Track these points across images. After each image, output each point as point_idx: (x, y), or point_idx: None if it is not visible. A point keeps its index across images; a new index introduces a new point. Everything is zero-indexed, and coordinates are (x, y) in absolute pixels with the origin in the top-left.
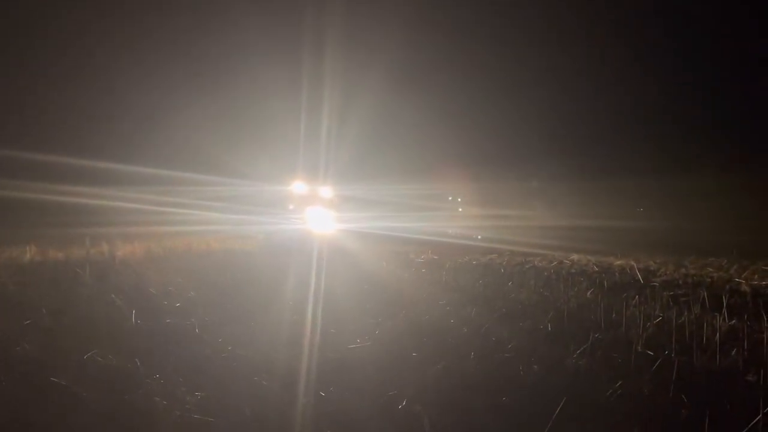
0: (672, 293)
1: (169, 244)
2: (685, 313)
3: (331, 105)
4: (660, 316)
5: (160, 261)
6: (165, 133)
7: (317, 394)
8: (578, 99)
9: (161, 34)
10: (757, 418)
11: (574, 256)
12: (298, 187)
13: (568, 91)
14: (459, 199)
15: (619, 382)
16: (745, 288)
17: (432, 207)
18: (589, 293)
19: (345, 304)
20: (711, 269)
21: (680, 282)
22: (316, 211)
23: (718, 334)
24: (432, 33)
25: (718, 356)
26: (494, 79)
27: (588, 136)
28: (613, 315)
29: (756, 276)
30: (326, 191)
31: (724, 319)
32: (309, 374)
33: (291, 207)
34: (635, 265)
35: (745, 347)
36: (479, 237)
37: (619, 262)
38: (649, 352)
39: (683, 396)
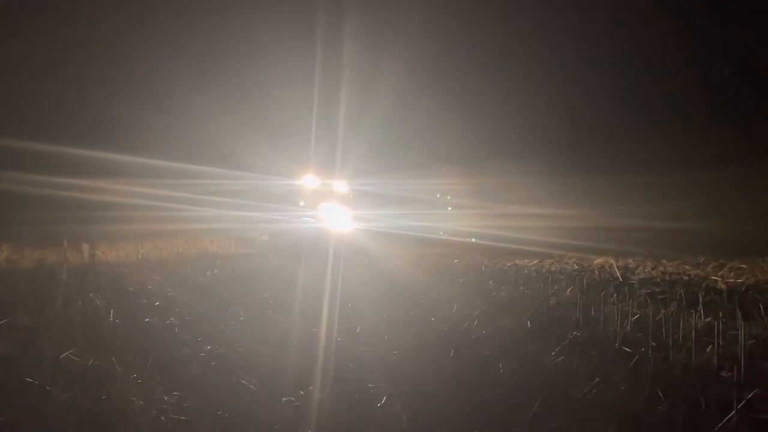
0: None
1: (160, 244)
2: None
3: (344, 96)
4: None
5: (145, 263)
6: (168, 123)
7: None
8: (605, 91)
9: (172, 24)
10: (730, 414)
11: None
12: (309, 181)
13: (591, 83)
14: (483, 197)
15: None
16: (720, 286)
17: (454, 204)
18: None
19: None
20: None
21: None
22: (329, 208)
23: (694, 332)
24: (449, 23)
25: (693, 353)
26: (517, 72)
27: (618, 132)
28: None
29: (732, 274)
30: (339, 186)
31: (700, 316)
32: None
33: (302, 203)
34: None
35: (720, 344)
36: (508, 237)
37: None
38: None
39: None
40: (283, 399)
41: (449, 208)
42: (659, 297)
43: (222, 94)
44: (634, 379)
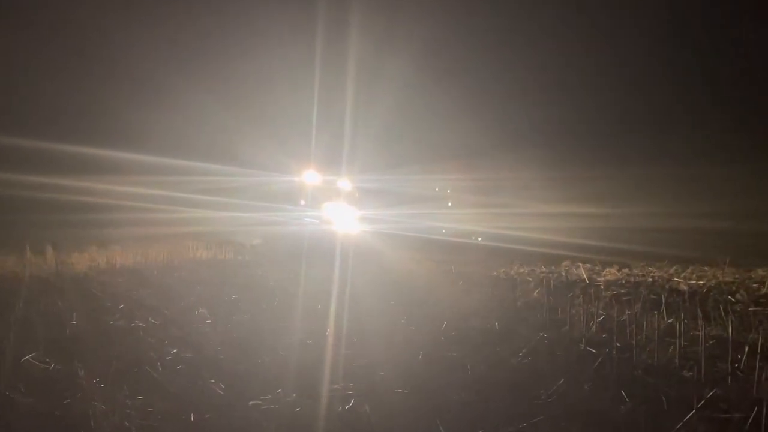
0: None
1: (137, 250)
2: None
3: (348, 85)
4: None
5: (116, 270)
6: (154, 115)
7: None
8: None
9: (164, 10)
10: (691, 413)
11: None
12: (310, 178)
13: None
14: (501, 193)
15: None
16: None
17: (471, 202)
18: None
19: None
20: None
21: None
22: (332, 208)
23: (656, 332)
24: (455, 17)
25: (656, 353)
26: (535, 56)
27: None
28: None
29: (694, 276)
30: (344, 183)
31: (663, 317)
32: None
33: (302, 202)
34: None
35: (681, 344)
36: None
37: None
38: None
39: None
40: (250, 403)
41: (448, 205)
42: (624, 298)
43: (214, 83)
44: (599, 379)
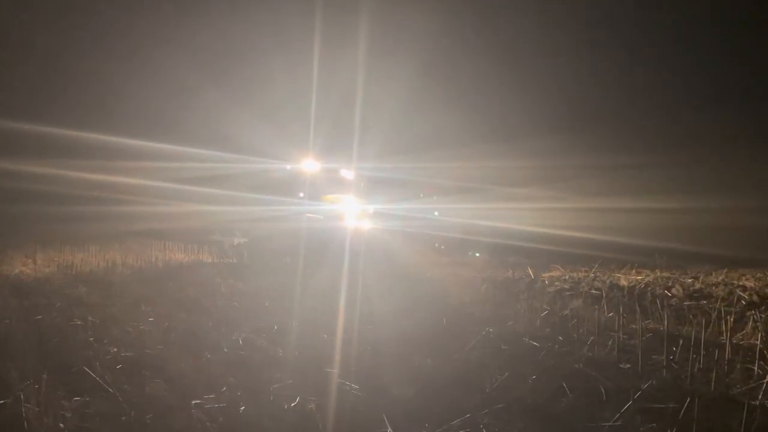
0: None
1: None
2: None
3: (353, 59)
4: None
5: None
6: (128, 90)
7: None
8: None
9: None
10: (628, 404)
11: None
12: (310, 165)
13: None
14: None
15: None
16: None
17: (499, 195)
18: None
19: None
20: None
21: None
22: (335, 200)
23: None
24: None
25: (596, 346)
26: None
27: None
28: None
29: (633, 271)
30: (348, 172)
31: (603, 311)
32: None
33: (301, 194)
34: None
35: (620, 337)
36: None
37: None
38: None
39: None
40: (194, 402)
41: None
42: (567, 294)
43: (199, 57)
44: (542, 372)
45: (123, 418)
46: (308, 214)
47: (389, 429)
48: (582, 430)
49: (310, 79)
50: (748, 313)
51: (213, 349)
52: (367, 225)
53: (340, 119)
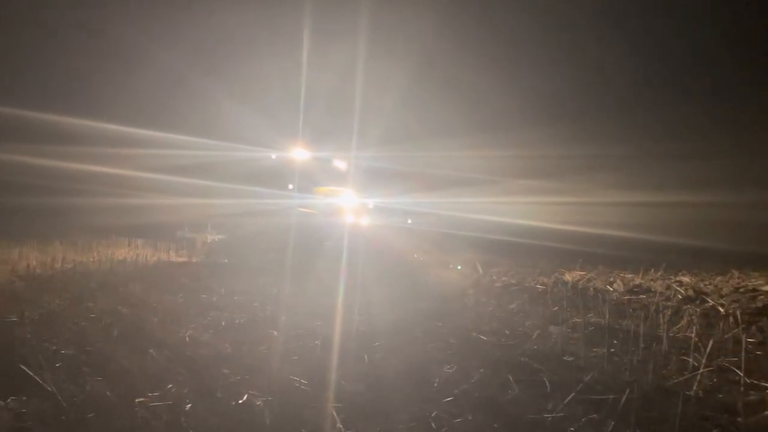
0: None
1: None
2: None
3: (348, 39)
4: None
5: None
6: (99, 70)
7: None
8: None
9: None
10: (571, 395)
11: None
12: (301, 155)
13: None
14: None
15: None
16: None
17: (511, 189)
18: None
19: None
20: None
21: None
22: (330, 193)
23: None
24: None
25: (541, 339)
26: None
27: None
28: None
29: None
30: (344, 162)
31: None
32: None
33: (290, 186)
34: None
35: (565, 331)
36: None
37: None
38: None
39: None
40: (137, 400)
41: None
42: (513, 289)
43: (175, 34)
44: (489, 365)
45: (62, 417)
46: (300, 209)
47: (338, 423)
48: (527, 422)
49: (298, 59)
50: (684, 308)
51: (158, 345)
52: (365, 221)
53: (333, 103)
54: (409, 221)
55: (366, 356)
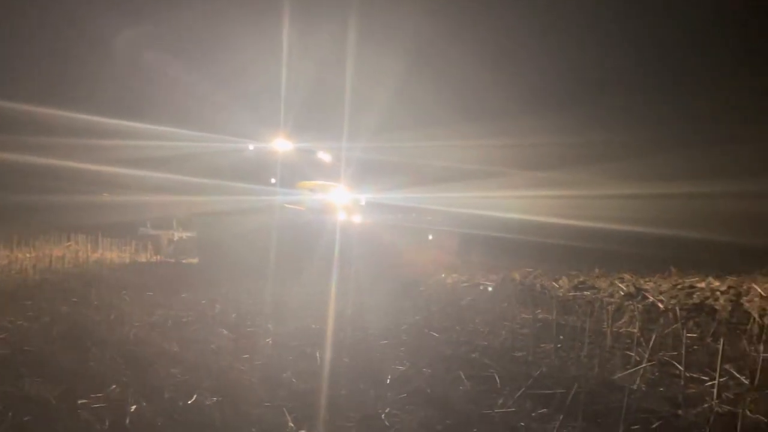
0: None
1: None
2: None
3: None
4: None
5: None
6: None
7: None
8: None
9: None
10: (521, 390)
11: None
12: (283, 146)
13: None
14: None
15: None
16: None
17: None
18: None
19: None
20: None
21: None
22: (316, 188)
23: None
24: None
25: (492, 336)
26: None
27: None
28: None
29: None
30: (325, 154)
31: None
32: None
33: (273, 180)
34: None
35: (514, 327)
36: None
37: None
38: None
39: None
40: (79, 402)
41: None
42: (463, 285)
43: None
44: (441, 362)
45: None
46: (287, 206)
47: (290, 422)
48: (478, 417)
49: (277, 39)
50: (626, 304)
51: (100, 344)
52: (357, 219)
53: (317, 90)
54: (430, 237)
55: (318, 354)
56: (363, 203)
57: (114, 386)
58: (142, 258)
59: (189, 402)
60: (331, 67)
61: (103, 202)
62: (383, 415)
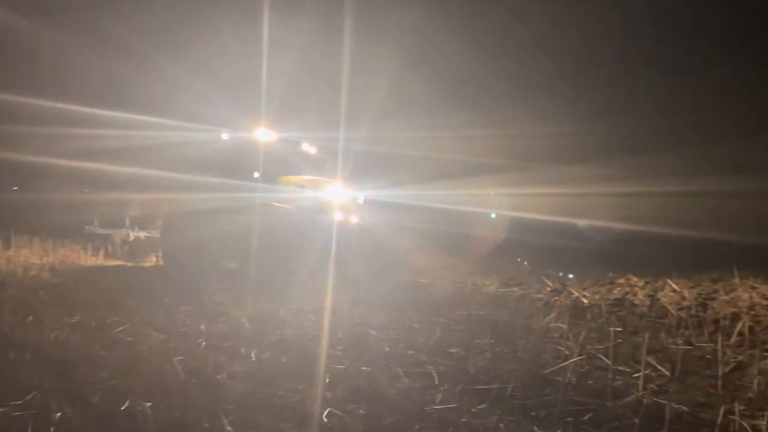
0: None
1: None
2: None
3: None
4: None
5: None
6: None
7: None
8: None
9: None
10: (460, 387)
11: None
12: (264, 135)
13: None
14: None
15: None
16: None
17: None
18: None
19: None
20: None
21: None
22: (306, 184)
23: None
24: None
25: (429, 333)
26: None
27: None
28: None
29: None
30: (309, 146)
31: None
32: None
33: (256, 174)
34: None
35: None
36: None
37: None
38: None
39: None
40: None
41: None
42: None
43: None
44: (379, 360)
45: None
46: (274, 203)
47: (227, 426)
48: (418, 414)
49: (257, 18)
50: (553, 299)
51: (19, 348)
52: (354, 219)
53: (304, 71)
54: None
55: (254, 354)
56: (361, 202)
57: (35, 393)
58: (89, 260)
59: (122, 408)
60: (318, 49)
61: (44, 199)
62: (323, 415)
